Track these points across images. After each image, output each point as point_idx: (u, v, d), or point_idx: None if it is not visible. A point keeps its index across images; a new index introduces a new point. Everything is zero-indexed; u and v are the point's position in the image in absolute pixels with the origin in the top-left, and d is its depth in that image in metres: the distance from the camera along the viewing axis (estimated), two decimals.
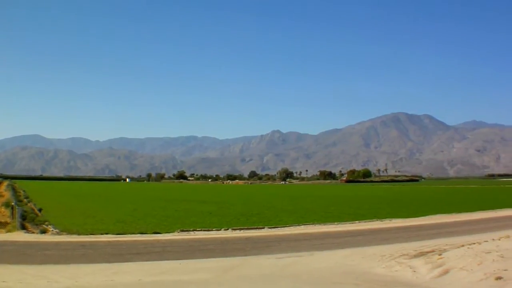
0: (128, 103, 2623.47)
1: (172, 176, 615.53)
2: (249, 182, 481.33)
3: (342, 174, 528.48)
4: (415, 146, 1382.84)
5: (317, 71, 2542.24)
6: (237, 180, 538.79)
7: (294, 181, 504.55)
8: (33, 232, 38.10)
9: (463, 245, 24.26)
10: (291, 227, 43.19)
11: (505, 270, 17.49)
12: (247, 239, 35.31)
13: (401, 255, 24.05)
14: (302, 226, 43.68)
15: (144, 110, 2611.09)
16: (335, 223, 46.43)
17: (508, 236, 26.23)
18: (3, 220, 46.62)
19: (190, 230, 39.67)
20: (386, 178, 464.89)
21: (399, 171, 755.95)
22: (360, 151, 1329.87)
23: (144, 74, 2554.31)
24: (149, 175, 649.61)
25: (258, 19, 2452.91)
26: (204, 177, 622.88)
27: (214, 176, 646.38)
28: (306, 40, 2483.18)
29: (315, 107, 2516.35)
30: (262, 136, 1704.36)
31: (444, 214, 56.48)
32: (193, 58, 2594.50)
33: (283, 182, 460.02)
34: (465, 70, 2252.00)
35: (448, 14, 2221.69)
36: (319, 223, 45.93)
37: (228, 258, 26.63)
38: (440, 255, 22.55)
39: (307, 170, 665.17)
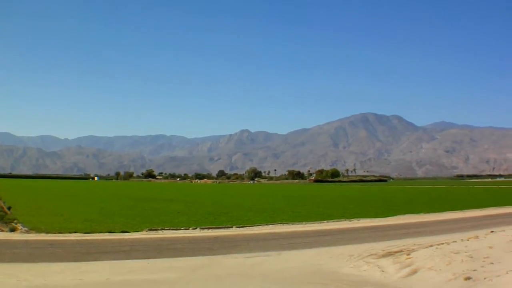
0: (97, 101, 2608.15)
1: (141, 175, 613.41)
2: (218, 181, 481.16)
3: (311, 174, 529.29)
4: (384, 147, 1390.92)
5: (286, 70, 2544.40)
6: (205, 179, 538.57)
7: (262, 180, 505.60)
8: (2, 230, 37.64)
9: (431, 245, 24.58)
10: (260, 226, 43.30)
11: (474, 270, 17.76)
12: (216, 238, 35.39)
13: (369, 255, 24.27)
14: (271, 225, 43.81)
15: (113, 108, 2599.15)
16: (303, 222, 46.60)
17: (476, 237, 26.61)
18: None
19: (158, 229, 39.52)
20: (354, 178, 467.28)
21: (367, 171, 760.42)
22: (328, 151, 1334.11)
23: (113, 73, 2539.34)
24: (117, 174, 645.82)
25: (222, 20, 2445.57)
26: (173, 176, 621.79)
27: (183, 175, 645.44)
28: (274, 40, 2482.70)
29: (284, 107, 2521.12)
30: (230, 135, 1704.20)
31: (413, 214, 57.03)
32: (161, 57, 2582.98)
33: (252, 182, 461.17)
34: (435, 71, 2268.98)
35: (416, 14, 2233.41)
36: (287, 223, 46.08)
37: (196, 257, 26.61)
38: (408, 255, 22.79)
39: (275, 170, 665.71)
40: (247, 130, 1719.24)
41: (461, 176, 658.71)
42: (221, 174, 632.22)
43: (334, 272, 20.42)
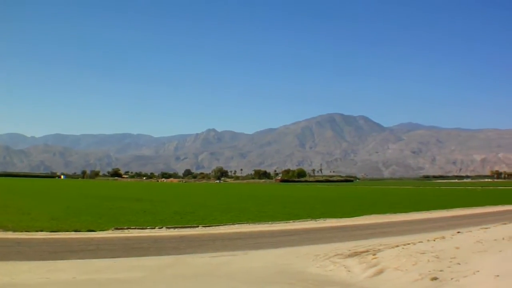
0: (63, 99, 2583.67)
1: (107, 174, 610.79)
2: (184, 181, 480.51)
3: (277, 174, 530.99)
4: (350, 147, 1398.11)
5: (253, 70, 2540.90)
6: (171, 179, 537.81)
7: (228, 180, 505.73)
8: None
9: (397, 245, 24.92)
10: (226, 226, 43.41)
11: (440, 270, 18.04)
12: (181, 237, 35.46)
13: (335, 255, 24.51)
14: (237, 225, 43.97)
15: (79, 107, 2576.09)
16: (270, 222, 46.80)
17: (443, 237, 27.00)
18: None
19: (124, 228, 39.42)
20: (320, 178, 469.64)
21: (333, 172, 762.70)
22: (295, 151, 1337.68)
23: (80, 71, 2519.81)
24: (83, 172, 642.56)
25: (186, 20, 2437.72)
26: (139, 175, 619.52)
27: (149, 174, 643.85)
28: (241, 39, 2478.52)
29: (251, 107, 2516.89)
30: (197, 134, 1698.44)
31: (379, 215, 57.66)
32: (128, 55, 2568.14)
33: (218, 181, 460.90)
34: (402, 72, 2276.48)
35: (383, 14, 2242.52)
36: (254, 222, 46.27)
37: (162, 257, 26.61)
38: (374, 255, 23.05)
39: (241, 169, 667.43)
40: (213, 130, 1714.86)
41: (427, 177, 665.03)
42: (188, 173, 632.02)
43: (300, 272, 20.60)
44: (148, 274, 21.71)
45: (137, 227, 40.81)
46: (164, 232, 39.11)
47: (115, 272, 22.63)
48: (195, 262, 24.63)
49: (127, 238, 34.97)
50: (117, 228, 39.42)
